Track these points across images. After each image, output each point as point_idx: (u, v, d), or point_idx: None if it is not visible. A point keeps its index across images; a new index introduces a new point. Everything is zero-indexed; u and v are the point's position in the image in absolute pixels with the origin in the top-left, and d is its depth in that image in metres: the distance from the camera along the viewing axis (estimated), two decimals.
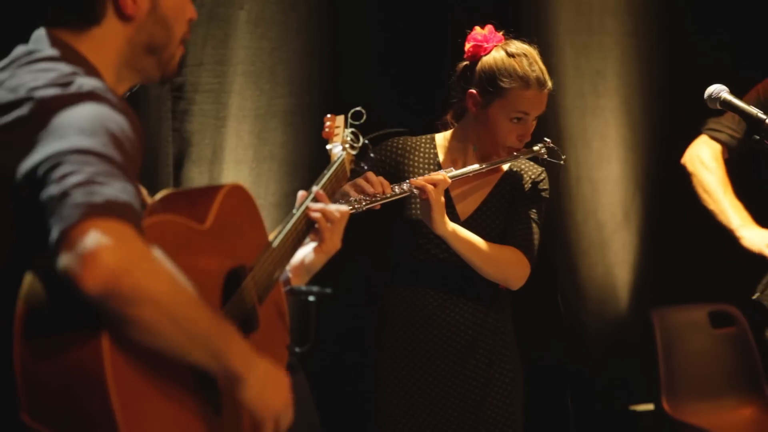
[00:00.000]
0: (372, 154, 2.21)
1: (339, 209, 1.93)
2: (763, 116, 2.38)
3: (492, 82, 2.60)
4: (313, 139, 3.44)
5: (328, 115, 2.11)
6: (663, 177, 4.34)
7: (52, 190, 1.34)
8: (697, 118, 3.55)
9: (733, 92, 2.50)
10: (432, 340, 2.70)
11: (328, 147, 2.06)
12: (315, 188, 1.94)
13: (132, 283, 1.31)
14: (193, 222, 1.55)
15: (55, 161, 1.36)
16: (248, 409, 1.56)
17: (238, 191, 1.71)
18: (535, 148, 2.66)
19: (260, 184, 3.39)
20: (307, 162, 3.45)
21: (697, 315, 4.16)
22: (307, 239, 1.92)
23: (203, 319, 1.43)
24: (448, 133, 2.78)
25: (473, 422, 2.69)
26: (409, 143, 2.75)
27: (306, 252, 1.94)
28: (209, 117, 3.33)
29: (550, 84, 2.67)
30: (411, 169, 2.71)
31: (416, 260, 2.69)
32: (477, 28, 2.69)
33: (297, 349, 1.79)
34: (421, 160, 2.72)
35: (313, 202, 1.91)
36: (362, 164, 2.15)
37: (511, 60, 2.63)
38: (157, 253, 1.37)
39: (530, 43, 2.72)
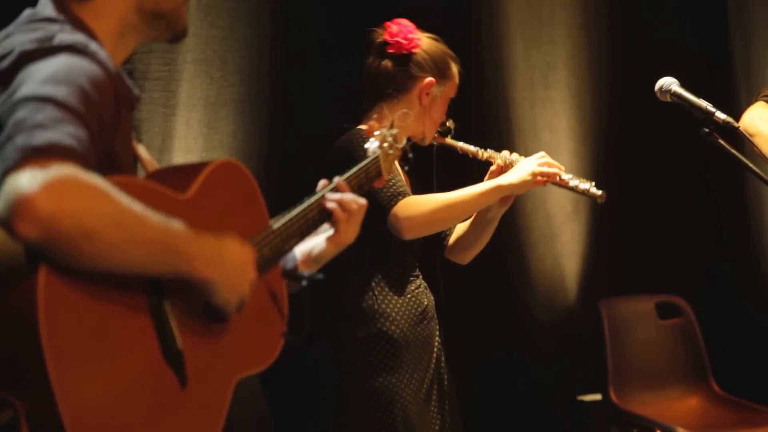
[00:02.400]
0: (410, 155, 2.28)
1: (357, 201, 1.91)
2: (713, 109, 2.39)
3: (445, 66, 2.72)
4: (263, 129, 3.47)
5: (373, 114, 2.38)
6: (612, 168, 4.37)
7: (2, 135, 1.36)
8: (646, 110, 3.61)
9: (682, 84, 2.52)
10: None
11: (366, 146, 2.10)
12: (337, 179, 1.92)
13: (71, 223, 1.31)
14: (173, 191, 1.53)
15: (12, 108, 1.38)
16: (220, 306, 1.58)
17: (231, 167, 1.69)
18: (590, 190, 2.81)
19: None
20: (257, 151, 3.43)
21: (645, 306, 4.23)
22: (322, 227, 1.91)
23: (156, 235, 1.42)
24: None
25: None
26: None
27: (317, 241, 1.93)
28: (158, 105, 3.26)
29: None
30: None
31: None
32: (391, 24, 2.74)
33: (291, 338, 1.78)
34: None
35: (332, 192, 1.89)
36: (404, 166, 2.25)
37: (442, 44, 2.76)
38: (99, 182, 1.35)
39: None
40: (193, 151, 3.35)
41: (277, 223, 1.77)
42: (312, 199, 1.85)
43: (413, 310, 2.68)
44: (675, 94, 2.48)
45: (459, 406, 2.84)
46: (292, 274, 1.83)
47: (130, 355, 1.45)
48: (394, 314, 2.64)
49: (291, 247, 1.81)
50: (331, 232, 1.92)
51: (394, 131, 2.12)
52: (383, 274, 2.66)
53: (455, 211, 2.65)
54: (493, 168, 2.75)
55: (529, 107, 4.13)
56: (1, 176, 1.31)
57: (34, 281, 1.32)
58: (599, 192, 2.75)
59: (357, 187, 1.98)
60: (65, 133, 1.36)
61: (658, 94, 2.52)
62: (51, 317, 1.32)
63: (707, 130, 2.39)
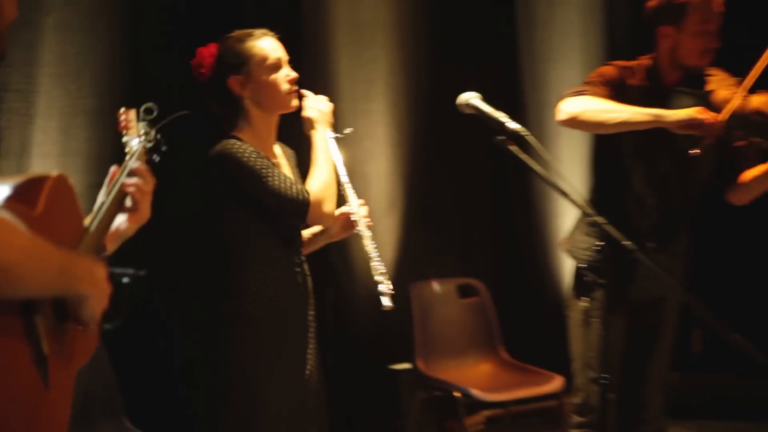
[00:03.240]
0: (164, 147, 2.08)
1: (150, 182, 1.86)
2: (506, 120, 2.39)
3: (240, 56, 2.54)
4: (115, 136, 3.39)
5: (122, 109, 2.03)
6: (423, 169, 4.50)
7: None
8: (451, 120, 3.65)
9: (483, 99, 2.50)
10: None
11: (124, 140, 1.98)
12: (133, 164, 1.86)
13: None
14: (27, 208, 1.49)
15: None
16: (86, 319, 1.59)
17: (63, 181, 1.66)
18: None
19: None
20: (110, 156, 3.33)
21: (447, 287, 4.30)
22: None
23: (55, 260, 1.43)
24: (245, 133, 2.56)
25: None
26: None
27: (120, 220, 1.88)
28: (18, 114, 3.25)
29: None
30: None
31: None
32: (200, 50, 2.56)
33: (107, 326, 1.82)
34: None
35: (128, 178, 1.84)
36: (155, 156, 2.06)
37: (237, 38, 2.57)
38: (2, 212, 1.32)
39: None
40: (51, 156, 3.34)
41: (92, 224, 1.75)
42: (114, 190, 1.82)
43: (289, 291, 2.54)
44: (474, 107, 2.46)
45: (324, 386, 2.73)
46: (114, 273, 1.79)
47: (11, 364, 1.45)
48: (264, 294, 2.49)
49: (105, 239, 1.79)
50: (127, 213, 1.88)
51: (144, 123, 2.00)
52: (262, 257, 2.51)
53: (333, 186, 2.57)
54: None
55: (352, 118, 4.15)
56: None
57: None
58: (387, 296, 2.65)
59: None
60: None
61: (461, 107, 2.51)
62: None
63: (501, 137, 2.38)
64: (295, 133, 2.67)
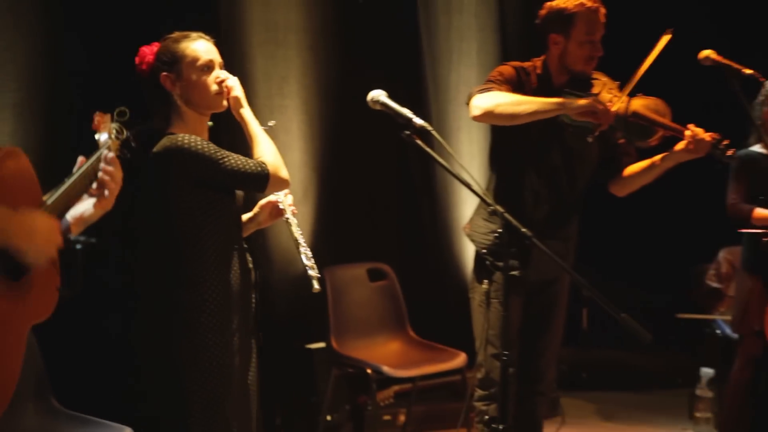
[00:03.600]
0: (133, 144, 2.12)
1: (119, 172, 1.92)
2: (412, 116, 2.42)
3: (173, 55, 2.52)
4: (39, 129, 3.42)
5: (98, 112, 2.04)
6: (333, 160, 4.51)
7: None
8: (360, 115, 3.58)
9: (389, 96, 2.53)
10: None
11: (96, 137, 1.99)
12: (107, 153, 1.92)
13: None
14: None
15: None
16: (29, 267, 1.68)
17: (14, 153, 1.74)
18: None
19: None
20: (33, 148, 3.36)
21: (358, 272, 4.35)
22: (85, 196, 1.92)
23: None
24: (179, 129, 2.54)
25: None
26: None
27: (86, 207, 1.94)
28: None
29: None
30: None
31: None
32: (143, 48, 2.55)
33: (64, 290, 1.82)
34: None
35: (106, 166, 1.90)
36: (126, 152, 2.09)
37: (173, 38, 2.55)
38: None
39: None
40: None
41: (50, 199, 1.82)
42: (78, 173, 1.87)
43: (241, 277, 2.52)
44: (382, 104, 2.51)
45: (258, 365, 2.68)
46: (69, 240, 1.89)
47: None
48: (221, 281, 2.46)
49: (62, 216, 1.86)
50: (92, 200, 1.93)
51: (116, 124, 2.05)
52: (214, 245, 2.46)
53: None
54: None
55: (268, 114, 4.11)
56: None
57: None
58: (315, 279, 2.64)
59: (96, 172, 2.01)
60: None
61: (370, 104, 2.54)
62: None
63: (407, 132, 2.43)
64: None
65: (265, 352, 4.21)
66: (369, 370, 3.91)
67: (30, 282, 1.75)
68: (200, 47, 2.54)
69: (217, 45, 2.77)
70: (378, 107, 2.51)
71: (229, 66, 3.93)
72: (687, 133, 2.94)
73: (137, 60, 2.54)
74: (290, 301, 4.36)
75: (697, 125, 2.97)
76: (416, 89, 4.83)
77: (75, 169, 1.90)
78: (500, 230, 2.47)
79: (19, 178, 1.74)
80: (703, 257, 5.15)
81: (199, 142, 2.43)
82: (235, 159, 2.46)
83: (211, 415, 2.43)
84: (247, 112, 2.58)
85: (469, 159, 4.81)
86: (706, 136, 2.92)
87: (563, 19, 3.01)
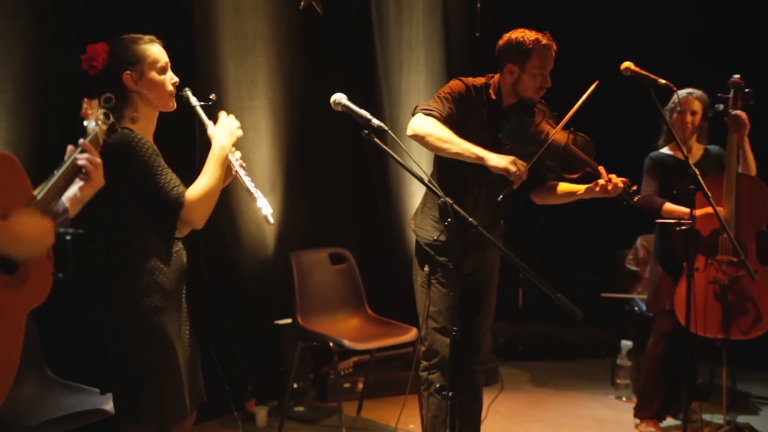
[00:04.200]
0: (118, 130, 2.18)
1: (95, 155, 1.96)
2: (370, 117, 2.46)
3: (136, 56, 2.51)
4: (31, 126, 3.40)
5: (85, 99, 2.02)
6: (297, 156, 4.57)
7: None
8: (323, 115, 3.46)
9: (350, 98, 2.55)
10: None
11: (84, 123, 2.01)
12: (82, 140, 1.96)
13: None
14: None
15: None
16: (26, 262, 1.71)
17: (5, 158, 1.75)
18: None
19: None
20: (26, 143, 3.38)
21: (321, 256, 4.39)
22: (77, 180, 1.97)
23: None
24: (138, 127, 2.50)
25: None
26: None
27: (78, 188, 1.99)
28: None
29: None
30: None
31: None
32: (92, 46, 2.48)
33: (60, 275, 1.86)
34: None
35: (80, 154, 1.94)
36: (112, 135, 2.11)
37: (131, 40, 2.55)
38: None
39: None
40: None
41: (40, 193, 1.83)
42: (65, 164, 1.90)
43: (177, 266, 2.52)
44: (344, 105, 2.53)
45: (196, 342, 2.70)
46: (59, 232, 1.90)
47: None
48: (165, 268, 2.46)
49: (54, 206, 1.87)
50: (81, 183, 1.98)
51: (103, 111, 2.07)
52: (156, 236, 2.45)
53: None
54: None
55: (238, 115, 3.47)
56: None
57: None
58: (269, 214, 2.56)
59: (95, 146, 2.06)
60: None
61: (332, 105, 2.56)
62: None
63: (366, 131, 2.46)
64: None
65: (238, 328, 4.29)
66: (331, 344, 3.95)
67: (26, 272, 1.78)
68: (157, 50, 2.56)
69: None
70: (340, 109, 2.55)
71: (202, 71, 4.12)
72: (604, 176, 3.03)
73: (87, 56, 2.48)
74: (260, 282, 4.43)
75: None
76: (371, 93, 4.91)
77: (66, 158, 1.93)
78: (443, 238, 2.49)
79: (8, 182, 1.74)
80: (622, 243, 5.27)
81: (147, 147, 2.42)
82: (167, 177, 2.43)
83: (164, 387, 2.44)
84: (215, 145, 2.55)
85: (419, 156, 4.90)
86: (619, 181, 3.03)
87: (520, 52, 3.07)
